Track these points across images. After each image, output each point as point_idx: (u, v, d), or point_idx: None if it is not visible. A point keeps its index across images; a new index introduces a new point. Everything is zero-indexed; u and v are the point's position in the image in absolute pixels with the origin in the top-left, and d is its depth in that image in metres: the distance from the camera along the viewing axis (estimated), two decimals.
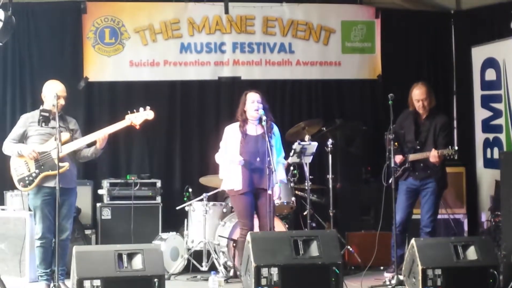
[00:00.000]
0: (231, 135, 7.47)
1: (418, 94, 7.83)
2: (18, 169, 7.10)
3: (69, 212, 7.18)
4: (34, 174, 7.05)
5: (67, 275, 6.97)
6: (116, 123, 7.21)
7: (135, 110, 7.18)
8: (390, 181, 7.48)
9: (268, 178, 7.10)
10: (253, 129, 7.36)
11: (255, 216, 7.45)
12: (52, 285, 6.95)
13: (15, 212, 8.08)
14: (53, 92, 7.06)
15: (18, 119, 7.38)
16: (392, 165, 7.36)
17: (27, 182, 7.07)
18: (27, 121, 7.22)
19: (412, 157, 7.79)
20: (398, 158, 7.72)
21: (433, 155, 7.58)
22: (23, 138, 7.18)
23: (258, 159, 7.23)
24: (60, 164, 6.88)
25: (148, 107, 7.19)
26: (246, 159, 7.30)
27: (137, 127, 7.20)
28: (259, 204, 7.34)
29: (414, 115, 7.87)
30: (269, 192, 7.10)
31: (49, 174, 7.01)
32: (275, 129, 7.53)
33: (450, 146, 7.63)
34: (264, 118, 7.27)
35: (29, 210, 7.60)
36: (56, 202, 6.71)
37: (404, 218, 7.81)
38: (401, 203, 7.85)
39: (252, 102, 7.42)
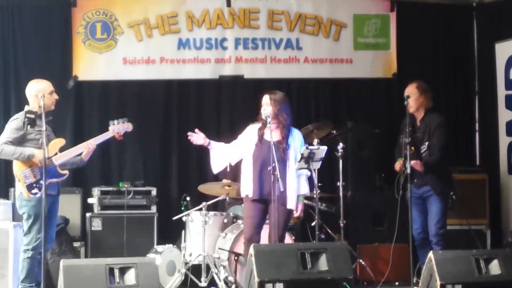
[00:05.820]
0: (250, 133, 7.20)
1: (406, 90, 7.62)
2: (27, 175, 6.93)
3: (56, 220, 7.21)
4: (42, 182, 6.83)
5: None
6: (101, 135, 7.21)
7: (115, 121, 7.22)
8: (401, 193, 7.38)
9: (272, 186, 6.84)
10: (269, 134, 7.06)
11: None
12: None
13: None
14: (39, 92, 6.90)
15: (1, 121, 7.36)
16: (408, 171, 7.08)
17: (35, 189, 6.91)
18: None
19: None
20: (398, 165, 7.50)
21: (414, 164, 7.33)
22: (22, 141, 6.96)
23: (269, 168, 6.91)
24: (63, 172, 6.97)
25: (126, 119, 7.23)
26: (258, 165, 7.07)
27: (121, 138, 7.28)
28: (270, 214, 7.10)
29: (411, 118, 7.62)
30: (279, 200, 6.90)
31: (53, 182, 6.96)
32: (295, 135, 7.23)
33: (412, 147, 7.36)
34: (269, 119, 7.00)
35: (13, 220, 7.64)
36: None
37: (420, 229, 7.59)
38: (412, 214, 7.59)
39: (262, 106, 7.21)
